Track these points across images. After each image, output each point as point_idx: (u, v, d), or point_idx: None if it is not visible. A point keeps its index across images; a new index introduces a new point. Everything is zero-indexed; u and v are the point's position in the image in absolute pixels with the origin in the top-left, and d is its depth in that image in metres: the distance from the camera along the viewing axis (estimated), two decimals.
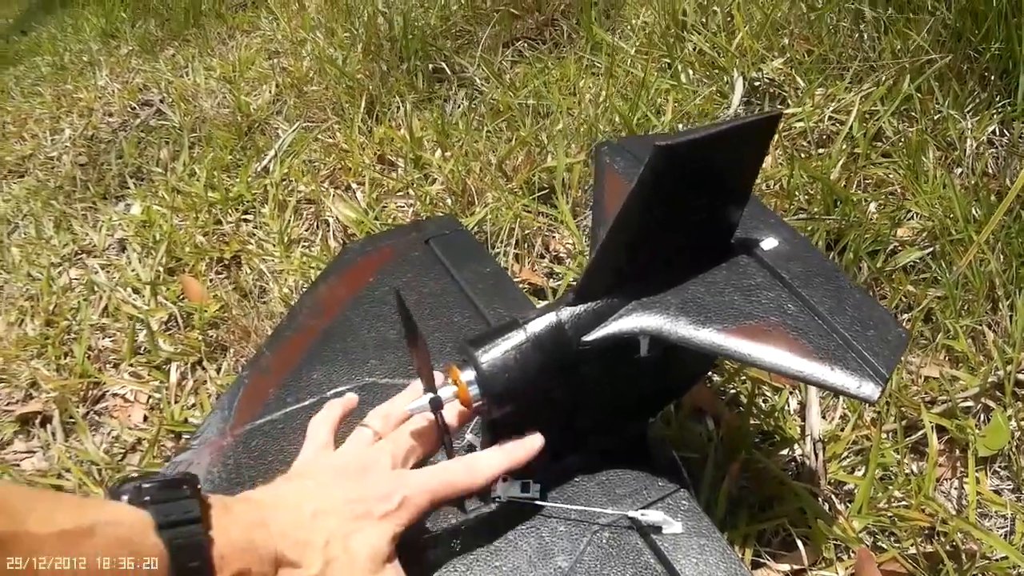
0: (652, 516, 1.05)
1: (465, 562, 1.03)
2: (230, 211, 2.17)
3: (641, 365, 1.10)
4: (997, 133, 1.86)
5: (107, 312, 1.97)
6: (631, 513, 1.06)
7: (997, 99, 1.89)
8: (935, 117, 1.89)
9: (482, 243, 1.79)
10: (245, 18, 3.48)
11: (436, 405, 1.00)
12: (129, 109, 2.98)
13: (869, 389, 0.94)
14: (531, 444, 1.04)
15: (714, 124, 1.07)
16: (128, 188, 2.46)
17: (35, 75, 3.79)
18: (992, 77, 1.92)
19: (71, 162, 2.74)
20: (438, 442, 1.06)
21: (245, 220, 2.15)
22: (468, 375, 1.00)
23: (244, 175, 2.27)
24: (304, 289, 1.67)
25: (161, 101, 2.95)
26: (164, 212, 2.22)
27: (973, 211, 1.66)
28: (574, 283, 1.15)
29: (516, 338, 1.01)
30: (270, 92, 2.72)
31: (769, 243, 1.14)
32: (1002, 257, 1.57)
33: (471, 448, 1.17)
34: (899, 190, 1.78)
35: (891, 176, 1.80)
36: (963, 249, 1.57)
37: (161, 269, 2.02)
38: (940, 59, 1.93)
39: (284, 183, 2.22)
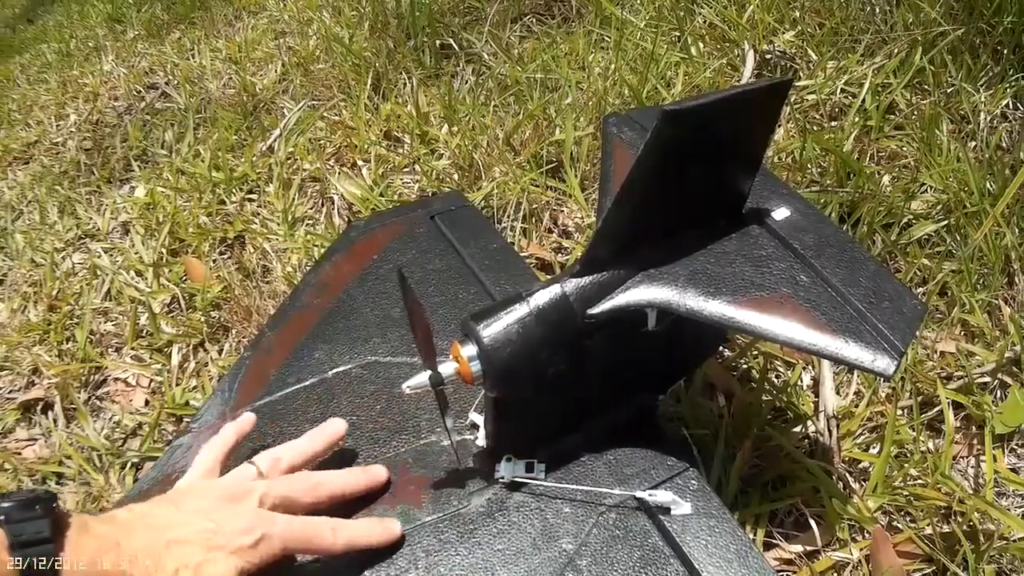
0: (660, 497, 1.03)
1: (468, 545, 1.01)
2: (234, 191, 2.15)
3: (649, 339, 1.07)
4: (1010, 107, 1.83)
5: (110, 296, 1.95)
6: (638, 494, 1.04)
7: (1010, 73, 1.87)
8: (948, 90, 1.87)
9: (489, 218, 1.77)
10: None
11: (436, 382, 0.99)
12: (135, 93, 2.96)
13: (884, 363, 0.92)
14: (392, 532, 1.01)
15: (723, 90, 1.05)
16: (133, 171, 2.44)
17: (41, 62, 3.77)
18: (1005, 51, 1.90)
19: (76, 147, 2.72)
20: (317, 503, 1.02)
21: (249, 199, 2.13)
22: (469, 350, 0.98)
23: (249, 155, 2.25)
24: (308, 268, 1.65)
25: (167, 84, 2.93)
26: (168, 193, 2.21)
27: (988, 184, 1.64)
28: None
29: (519, 312, 0.98)
30: (276, 71, 2.70)
31: (781, 213, 1.12)
32: (1018, 230, 1.54)
33: (474, 427, 1.16)
34: (913, 163, 1.75)
35: (904, 149, 1.78)
36: (978, 222, 1.55)
37: (164, 251, 2.01)
38: (952, 31, 1.91)
39: (289, 162, 2.20)
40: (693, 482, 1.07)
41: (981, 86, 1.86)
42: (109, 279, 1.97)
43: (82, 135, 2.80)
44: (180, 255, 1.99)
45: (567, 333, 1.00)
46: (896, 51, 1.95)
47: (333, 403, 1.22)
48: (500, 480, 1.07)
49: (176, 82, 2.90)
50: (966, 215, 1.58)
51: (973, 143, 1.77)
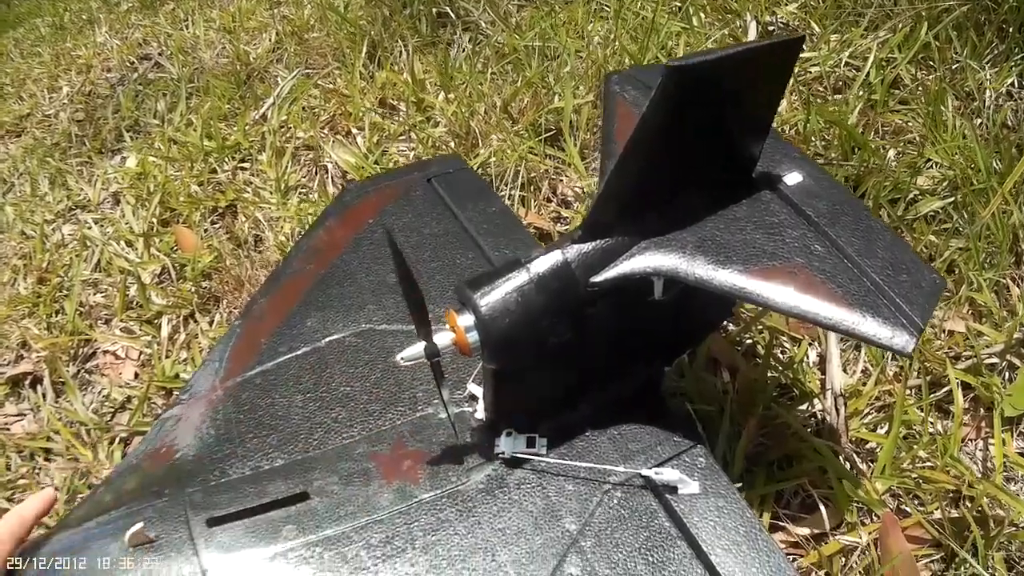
0: (667, 475, 0.99)
1: (467, 523, 0.97)
2: (226, 159, 2.12)
3: (655, 308, 1.03)
4: (1016, 86, 1.81)
5: (99, 267, 1.91)
6: (644, 471, 1.00)
7: (1015, 51, 1.85)
8: (953, 66, 1.85)
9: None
10: None
11: (431, 353, 0.95)
12: (128, 64, 2.92)
13: (903, 340, 0.88)
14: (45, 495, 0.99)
15: (732, 46, 1.01)
16: (124, 142, 2.41)
17: (34, 36, 3.74)
18: (1011, 29, 1.87)
19: (68, 119, 2.69)
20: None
21: (242, 168, 2.10)
22: (466, 320, 0.94)
23: (242, 123, 2.22)
24: (301, 235, 1.60)
25: (160, 54, 2.90)
26: (159, 163, 2.17)
27: (994, 163, 1.62)
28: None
29: (518, 279, 0.94)
30: (270, 40, 2.67)
31: (793, 178, 1.07)
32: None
33: (473, 399, 1.11)
34: (918, 138, 1.72)
35: (910, 124, 1.75)
36: (985, 200, 1.53)
37: (155, 221, 1.97)
38: (957, 7, 1.89)
39: (282, 130, 2.17)
40: (701, 460, 1.03)
41: (987, 63, 1.84)
42: (99, 250, 1.94)
43: (74, 107, 2.77)
44: (171, 225, 1.96)
45: (569, 302, 0.96)
46: (900, 26, 1.91)
47: (326, 373, 1.17)
48: (500, 455, 1.03)
49: (169, 52, 2.87)
50: (973, 192, 1.55)
51: (979, 120, 1.74)
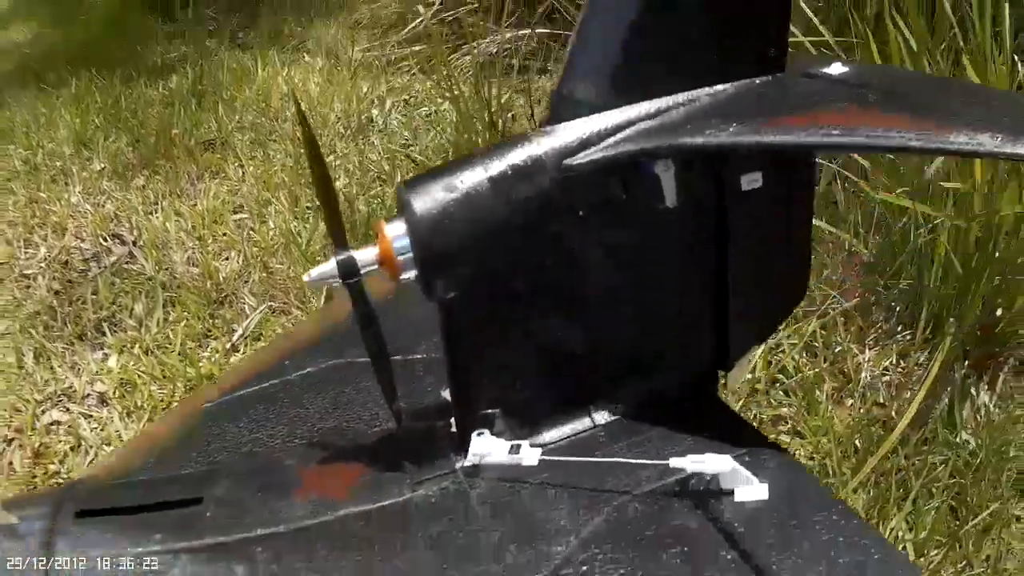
0: (712, 464, 0.79)
1: (390, 546, 0.83)
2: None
3: (671, 233, 0.86)
4: (894, 363, 2.03)
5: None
6: (675, 461, 0.80)
7: (899, 329, 2.07)
8: (836, 349, 2.05)
9: None
10: (213, 159, 3.58)
11: (347, 270, 0.81)
12: (101, 242, 3.14)
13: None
14: None
15: None
16: (104, 335, 2.60)
17: (9, 169, 3.85)
18: (897, 307, 2.10)
19: (46, 287, 2.86)
20: None
21: None
22: (396, 228, 0.80)
23: (214, 353, 2.46)
24: None
25: (134, 243, 3.11)
26: (144, 377, 2.35)
27: (856, 442, 1.82)
28: None
29: (468, 174, 0.79)
30: (238, 262, 2.91)
31: (836, 68, 0.89)
32: (872, 491, 1.73)
33: (447, 411, 0.95)
34: (792, 425, 1.93)
35: (786, 411, 1.96)
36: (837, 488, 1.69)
37: None
38: (846, 304, 2.11)
39: None
40: (773, 459, 0.83)
41: (868, 343, 2.05)
42: (93, 451, 2.11)
43: (52, 273, 2.93)
44: None
45: (537, 200, 0.80)
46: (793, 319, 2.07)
47: (282, 399, 1.09)
48: (463, 467, 0.87)
49: (142, 243, 3.08)
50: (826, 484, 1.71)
51: (850, 401, 1.95)
